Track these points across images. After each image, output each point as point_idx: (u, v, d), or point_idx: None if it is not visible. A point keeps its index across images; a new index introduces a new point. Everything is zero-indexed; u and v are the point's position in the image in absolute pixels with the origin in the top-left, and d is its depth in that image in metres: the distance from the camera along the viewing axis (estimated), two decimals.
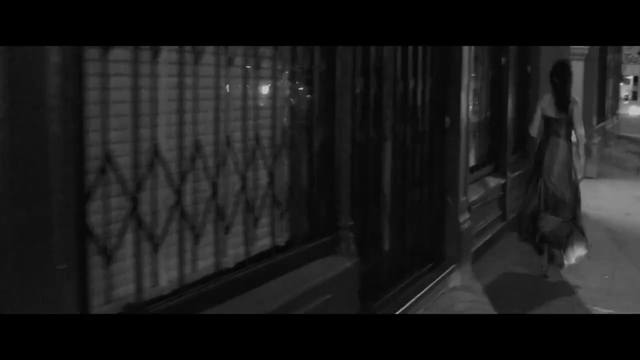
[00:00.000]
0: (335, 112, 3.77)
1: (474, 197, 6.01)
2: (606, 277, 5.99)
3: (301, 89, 3.67)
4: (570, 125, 5.51)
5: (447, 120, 5.40)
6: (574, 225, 5.53)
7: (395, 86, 4.60)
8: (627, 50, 29.59)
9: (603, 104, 15.74)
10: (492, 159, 7.00)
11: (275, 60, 3.34)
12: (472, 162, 6.46)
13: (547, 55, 8.27)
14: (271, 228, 3.38)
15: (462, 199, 5.59)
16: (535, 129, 5.75)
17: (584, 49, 11.61)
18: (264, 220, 3.37)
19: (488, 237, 6.41)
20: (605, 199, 9.77)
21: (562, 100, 5.49)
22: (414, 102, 4.92)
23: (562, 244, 5.48)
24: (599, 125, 13.66)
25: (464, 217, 5.61)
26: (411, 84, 4.84)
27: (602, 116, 15.13)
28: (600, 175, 11.93)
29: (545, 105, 5.62)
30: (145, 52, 2.58)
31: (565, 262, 5.54)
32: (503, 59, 6.99)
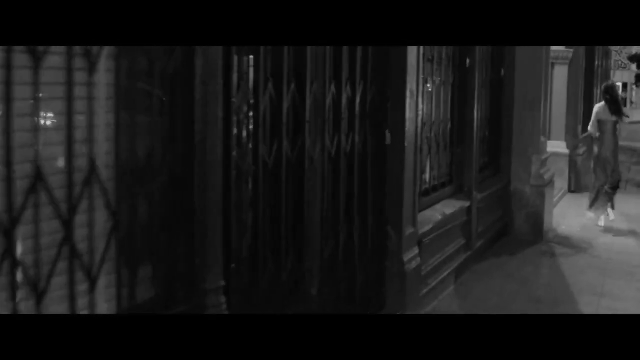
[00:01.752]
0: (195, 130, 2.59)
1: (427, 227, 4.82)
2: None
3: (141, 98, 2.49)
4: (616, 124, 8.06)
5: (387, 135, 4.22)
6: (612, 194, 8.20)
7: (308, 94, 3.41)
8: (615, 56, 28.44)
9: (590, 111, 14.53)
10: (454, 178, 5.81)
11: (89, 57, 2.15)
12: (428, 182, 5.28)
13: (524, 55, 7.10)
14: (70, 301, 2.18)
15: (409, 230, 4.40)
16: (594, 129, 8.23)
17: (567, 53, 10.44)
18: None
19: (446, 273, 5.21)
20: (590, 217, 8.56)
21: (613, 109, 8.02)
22: (338, 114, 3.73)
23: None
24: (584, 135, 12.45)
25: (411, 253, 4.42)
26: (332, 91, 3.65)
27: (588, 123, 13.92)
28: (585, 189, 10.70)
29: (600, 111, 8.16)
30: None
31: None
32: (468, 60, 5.81)
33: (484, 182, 6.49)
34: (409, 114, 4.28)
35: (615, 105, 8.09)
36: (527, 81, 7.17)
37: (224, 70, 2.70)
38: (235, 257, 2.86)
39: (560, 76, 10.60)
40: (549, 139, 10.23)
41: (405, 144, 4.26)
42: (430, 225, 4.86)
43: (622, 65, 30.61)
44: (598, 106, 8.32)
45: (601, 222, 7.96)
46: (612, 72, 24.34)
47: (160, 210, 2.55)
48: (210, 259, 2.67)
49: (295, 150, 3.34)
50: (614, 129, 8.07)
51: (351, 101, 3.87)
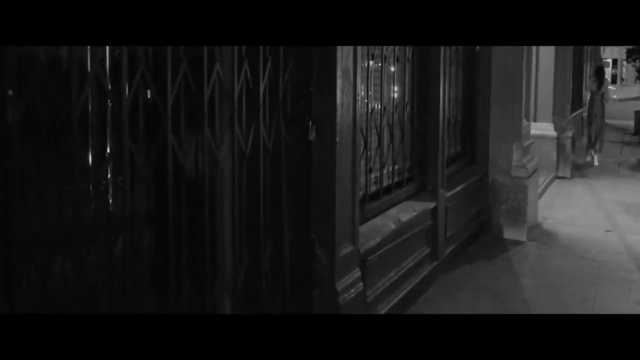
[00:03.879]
0: None
1: (374, 241, 3.76)
2: None
3: None
4: (602, 95, 11.35)
5: (312, 128, 3.15)
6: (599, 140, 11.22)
7: (170, 81, 2.34)
8: None
9: (581, 88, 13.48)
10: (416, 175, 4.74)
11: None
12: (379, 182, 4.21)
13: None
14: None
15: (346, 250, 3.35)
16: (587, 96, 11.77)
17: None
18: None
19: (404, 292, 4.16)
20: (580, 208, 7.53)
21: (601, 84, 11.34)
22: (229, 104, 2.65)
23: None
24: (574, 114, 11.39)
25: (350, 278, 3.36)
26: (217, 71, 2.57)
27: (578, 102, 12.89)
28: (575, 174, 9.69)
29: (591, 83, 11.71)
30: None
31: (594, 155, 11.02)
32: None
33: (456, 175, 5.44)
34: (341, 99, 3.21)
35: (602, 81, 11.51)
36: (506, 57, 6.09)
37: None
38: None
39: (546, 52, 9.49)
40: (534, 120, 9.18)
41: (338, 139, 3.20)
42: (379, 239, 3.80)
43: None
44: (589, 80, 12.10)
45: (596, 162, 10.81)
46: (602, 48, 23.16)
47: None
48: None
49: (150, 155, 2.26)
50: (602, 98, 11.38)
51: (253, 85, 2.79)
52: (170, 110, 2.30)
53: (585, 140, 11.43)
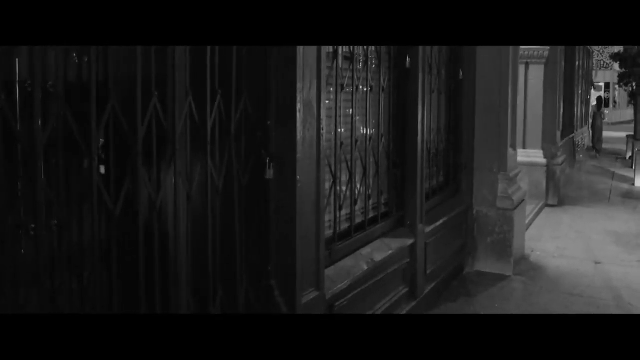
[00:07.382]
0: None
1: (343, 284, 3.48)
2: None
3: None
4: (602, 115, 17.79)
5: (269, 166, 2.90)
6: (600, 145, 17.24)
7: (96, 117, 2.09)
8: (597, 56, 27.19)
9: (572, 113, 13.29)
10: (394, 209, 4.48)
11: None
12: (351, 220, 3.94)
13: (487, 53, 5.81)
14: None
15: (309, 296, 3.08)
16: (592, 113, 17.78)
17: (543, 51, 9.15)
18: None
19: None
20: (569, 238, 7.27)
21: (600, 106, 18.00)
22: (169, 140, 2.40)
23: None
24: (565, 139, 11.18)
25: None
26: (154, 105, 2.32)
27: (570, 127, 12.68)
28: (564, 202, 9.45)
29: (594, 107, 17.96)
30: None
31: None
32: (408, 59, 4.48)
33: (437, 208, 5.17)
34: (303, 133, 2.96)
35: (601, 104, 17.83)
36: (491, 84, 5.88)
37: None
38: None
39: (536, 77, 9.31)
40: (524, 147, 8.97)
41: (299, 177, 2.94)
42: (349, 282, 3.53)
43: (605, 65, 29.43)
44: (592, 105, 17.80)
45: (597, 156, 16.10)
46: (594, 72, 23.08)
47: None
48: None
49: (73, 198, 2.01)
50: (601, 117, 17.28)
51: (200, 120, 2.54)
52: (94, 152, 2.04)
53: (590, 144, 16.80)
